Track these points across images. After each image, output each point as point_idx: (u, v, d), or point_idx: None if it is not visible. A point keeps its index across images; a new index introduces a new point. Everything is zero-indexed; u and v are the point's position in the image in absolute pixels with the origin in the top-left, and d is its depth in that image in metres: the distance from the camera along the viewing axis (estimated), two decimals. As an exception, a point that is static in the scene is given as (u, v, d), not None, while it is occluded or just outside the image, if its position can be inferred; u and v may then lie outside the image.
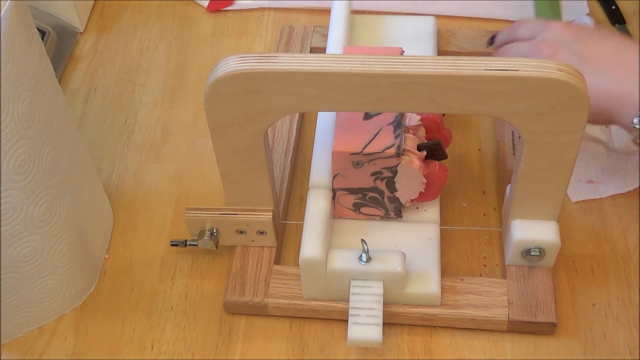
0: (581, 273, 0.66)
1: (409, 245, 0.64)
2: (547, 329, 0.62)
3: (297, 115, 0.76)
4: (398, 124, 0.62)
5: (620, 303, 0.64)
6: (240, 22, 0.90)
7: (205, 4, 0.91)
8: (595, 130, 0.74)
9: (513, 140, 0.73)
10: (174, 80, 0.84)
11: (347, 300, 0.61)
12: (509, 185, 0.65)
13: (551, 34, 0.65)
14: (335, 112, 0.64)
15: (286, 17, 0.90)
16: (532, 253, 0.62)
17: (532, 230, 0.62)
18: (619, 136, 0.72)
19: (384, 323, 0.60)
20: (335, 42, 0.76)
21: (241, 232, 0.65)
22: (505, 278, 0.64)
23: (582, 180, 0.71)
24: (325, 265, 0.60)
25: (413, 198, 0.65)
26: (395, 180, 0.63)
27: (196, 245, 0.66)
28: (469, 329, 0.63)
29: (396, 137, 0.61)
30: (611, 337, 0.62)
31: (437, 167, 0.64)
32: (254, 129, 0.57)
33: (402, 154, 0.61)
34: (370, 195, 0.65)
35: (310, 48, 0.82)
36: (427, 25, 0.80)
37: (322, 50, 0.81)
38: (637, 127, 0.59)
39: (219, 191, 0.65)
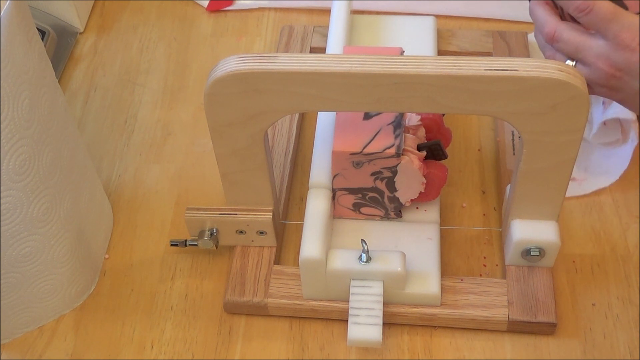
0: (581, 273, 0.66)
1: (409, 245, 0.64)
2: (547, 329, 0.62)
3: (297, 115, 0.76)
4: (398, 124, 0.62)
5: (620, 303, 0.64)
6: (240, 22, 0.90)
7: (205, 4, 0.91)
8: None
9: (513, 140, 0.73)
10: (174, 80, 0.84)
11: (347, 300, 0.61)
12: (509, 185, 0.65)
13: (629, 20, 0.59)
14: (335, 112, 0.64)
15: (286, 17, 0.90)
16: (532, 253, 0.62)
17: (532, 230, 0.62)
18: (594, 128, 0.72)
19: (383, 323, 0.60)
20: (335, 42, 0.76)
21: (241, 232, 0.65)
22: (505, 278, 0.64)
23: None
24: (325, 265, 0.60)
25: (413, 198, 0.65)
26: (395, 180, 0.63)
27: (196, 245, 0.66)
28: (469, 329, 0.63)
29: (396, 137, 0.61)
30: (611, 337, 0.62)
31: (437, 167, 0.64)
32: (253, 129, 0.57)
33: (402, 154, 0.61)
34: (370, 195, 0.65)
35: (310, 48, 0.82)
36: (427, 25, 0.80)
37: (322, 50, 0.81)
38: None
39: (219, 191, 0.65)
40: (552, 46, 0.63)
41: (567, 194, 0.70)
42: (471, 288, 0.63)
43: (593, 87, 0.63)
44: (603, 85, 0.62)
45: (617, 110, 0.70)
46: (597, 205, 0.70)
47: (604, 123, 0.71)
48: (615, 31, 0.58)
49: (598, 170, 0.71)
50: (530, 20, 0.87)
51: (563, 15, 0.64)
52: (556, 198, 0.60)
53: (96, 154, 0.77)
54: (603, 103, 0.72)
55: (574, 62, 0.62)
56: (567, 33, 0.61)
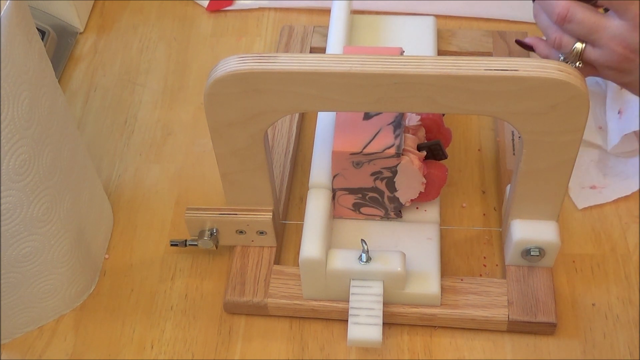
0: (581, 273, 0.66)
1: (409, 245, 0.64)
2: (547, 329, 0.62)
3: (297, 115, 0.76)
4: (398, 124, 0.62)
5: (620, 303, 0.64)
6: (240, 22, 0.90)
7: (205, 4, 0.91)
8: (592, 135, 0.73)
9: (513, 140, 0.73)
10: (174, 80, 0.84)
11: (347, 300, 0.61)
12: (509, 185, 0.65)
13: None
14: (335, 112, 0.64)
15: (286, 17, 0.90)
16: (532, 253, 0.62)
17: (532, 230, 0.62)
18: (613, 140, 0.72)
19: (383, 323, 0.60)
20: (335, 42, 0.76)
21: (241, 232, 0.65)
22: (505, 278, 0.64)
23: (586, 187, 0.71)
24: (325, 265, 0.60)
25: (413, 198, 0.65)
26: (395, 180, 0.63)
27: (196, 245, 0.66)
28: (469, 329, 0.63)
29: (396, 137, 0.61)
30: (611, 337, 0.62)
31: (437, 167, 0.64)
32: (254, 129, 0.57)
33: (402, 154, 0.61)
34: (370, 195, 0.65)
35: (310, 48, 0.82)
36: (427, 25, 0.80)
37: (322, 50, 0.81)
38: None
39: (219, 191, 0.65)
40: (562, 27, 0.61)
41: (589, 203, 0.70)
42: (471, 288, 0.63)
43: (601, 70, 0.62)
44: (613, 68, 0.61)
45: (636, 122, 0.70)
46: (597, 205, 0.70)
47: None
48: (635, 11, 0.57)
49: (618, 178, 0.71)
50: (530, 21, 0.87)
51: None
52: (556, 198, 0.60)
53: (96, 154, 0.77)
54: (619, 112, 0.72)
55: (583, 44, 0.61)
56: (581, 13, 0.60)
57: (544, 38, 0.66)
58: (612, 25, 0.59)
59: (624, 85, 0.63)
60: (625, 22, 0.58)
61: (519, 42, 0.68)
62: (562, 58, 0.62)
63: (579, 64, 0.62)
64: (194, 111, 0.81)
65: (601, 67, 0.61)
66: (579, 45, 0.61)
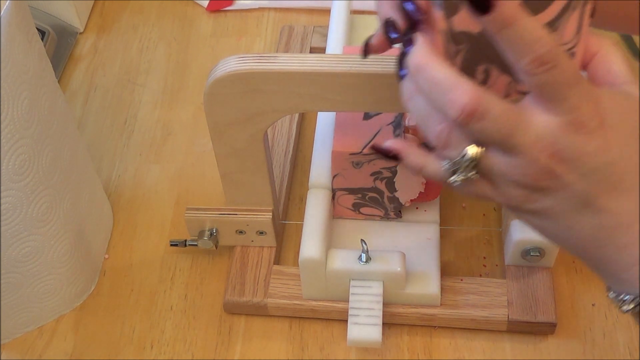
0: (581, 273, 0.66)
1: (408, 245, 0.64)
2: (547, 329, 0.62)
3: (297, 115, 0.76)
4: (398, 124, 0.62)
5: (620, 303, 0.64)
6: (240, 22, 0.90)
7: (205, 4, 0.91)
8: None
9: (513, 140, 0.72)
10: (174, 80, 0.84)
11: (347, 300, 0.61)
12: (509, 185, 0.64)
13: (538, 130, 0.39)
14: (335, 112, 0.64)
15: (286, 17, 0.90)
16: (531, 253, 0.62)
17: (531, 231, 0.61)
18: None
19: (383, 323, 0.60)
20: (335, 42, 0.76)
21: (241, 232, 0.65)
22: (505, 278, 0.64)
23: None
24: (325, 265, 0.60)
25: (413, 198, 0.65)
26: (395, 180, 0.63)
27: (196, 245, 0.66)
28: (469, 329, 0.63)
29: (396, 137, 0.61)
30: (611, 337, 0.62)
31: (437, 167, 0.64)
32: (253, 129, 0.57)
33: (402, 154, 0.61)
34: (370, 195, 0.65)
35: (310, 48, 0.82)
36: (427, 25, 0.80)
37: (322, 50, 0.81)
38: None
39: (219, 191, 0.65)
40: (467, 127, 0.39)
41: None
42: (471, 288, 0.63)
43: (503, 188, 0.42)
44: (525, 186, 0.41)
45: None
46: (597, 205, 0.70)
47: None
48: (575, 102, 0.38)
49: None
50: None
51: None
52: (556, 198, 0.60)
53: (96, 154, 0.77)
54: None
55: (481, 148, 0.40)
56: (499, 105, 0.39)
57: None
58: (541, 122, 0.39)
59: (531, 215, 0.43)
60: (561, 117, 0.39)
61: (375, 149, 0.47)
62: (447, 166, 0.42)
63: (474, 174, 0.42)
64: (194, 111, 0.81)
65: (506, 182, 0.41)
66: (473, 149, 0.40)
